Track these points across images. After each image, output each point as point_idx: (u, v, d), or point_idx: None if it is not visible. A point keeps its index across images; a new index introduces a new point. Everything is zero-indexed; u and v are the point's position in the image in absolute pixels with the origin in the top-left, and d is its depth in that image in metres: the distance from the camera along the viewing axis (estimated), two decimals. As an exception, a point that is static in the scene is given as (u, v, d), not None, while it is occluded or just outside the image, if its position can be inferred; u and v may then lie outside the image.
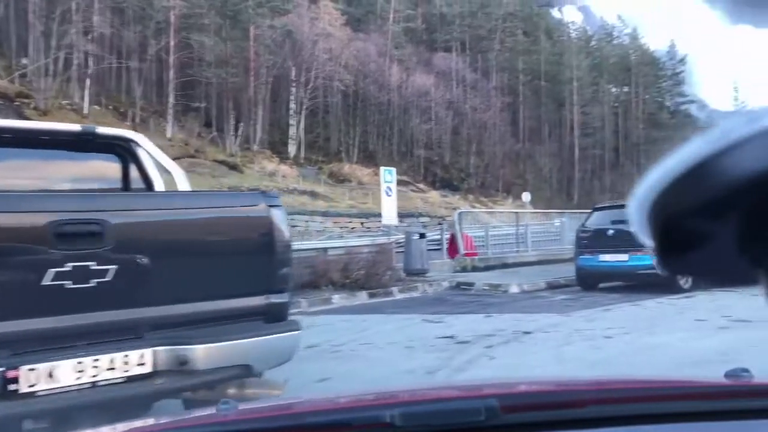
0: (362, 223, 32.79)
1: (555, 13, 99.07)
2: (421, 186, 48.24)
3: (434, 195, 46.19)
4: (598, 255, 9.62)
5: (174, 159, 4.19)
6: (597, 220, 10.12)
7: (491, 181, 56.60)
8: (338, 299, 9.38)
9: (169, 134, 40.44)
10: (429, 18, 65.36)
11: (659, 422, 1.04)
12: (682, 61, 74.33)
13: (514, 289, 10.31)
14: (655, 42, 76.76)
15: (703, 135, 0.32)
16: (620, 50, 71.67)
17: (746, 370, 1.18)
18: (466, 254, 13.27)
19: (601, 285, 10.14)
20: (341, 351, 5.59)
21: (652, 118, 67.70)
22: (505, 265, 13.71)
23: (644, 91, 68.96)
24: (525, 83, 62.85)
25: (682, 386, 1.29)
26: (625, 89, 68.67)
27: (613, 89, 68.30)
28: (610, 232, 9.56)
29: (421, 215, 36.44)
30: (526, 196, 33.93)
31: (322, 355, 5.36)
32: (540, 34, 66.15)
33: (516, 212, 17.05)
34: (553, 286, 10.58)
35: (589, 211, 11.35)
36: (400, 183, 44.05)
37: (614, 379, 1.49)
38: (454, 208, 27.81)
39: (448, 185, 52.83)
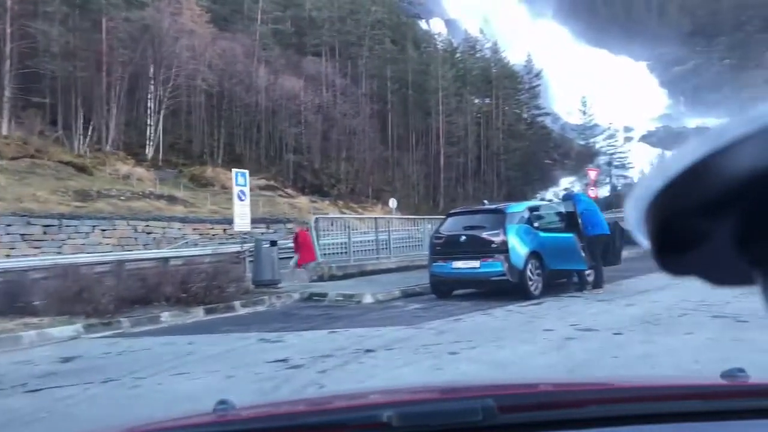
0: (225, 230, 31.14)
1: (423, 24, 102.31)
2: (290, 191, 47.14)
3: (303, 201, 45.23)
4: (450, 262, 9.34)
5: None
6: (450, 226, 9.86)
7: (361, 188, 56.67)
8: (168, 317, 8.31)
9: (4, 131, 36.28)
10: (298, 21, 64.52)
11: (656, 422, 1.04)
12: (538, 75, 79.29)
13: (367, 299, 9.79)
14: (514, 56, 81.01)
15: (701, 135, 0.32)
16: (483, 63, 75.11)
17: (742, 370, 1.20)
18: (299, 262, 12.73)
19: (456, 292, 9.90)
20: (141, 386, 4.62)
21: (511, 128, 71.43)
22: (364, 273, 13.24)
23: (504, 102, 72.66)
24: (393, 91, 63.84)
25: (679, 386, 1.29)
26: (487, 100, 71.94)
27: (476, 100, 71.29)
28: (463, 238, 9.33)
29: (288, 221, 35.37)
30: (392, 203, 34.18)
31: (113, 392, 4.40)
32: (407, 44, 67.57)
33: (376, 218, 16.63)
34: (408, 295, 10.19)
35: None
36: (267, 188, 42.84)
37: (611, 380, 1.46)
38: (324, 214, 27.22)
39: (317, 191, 52.14)
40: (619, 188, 68.79)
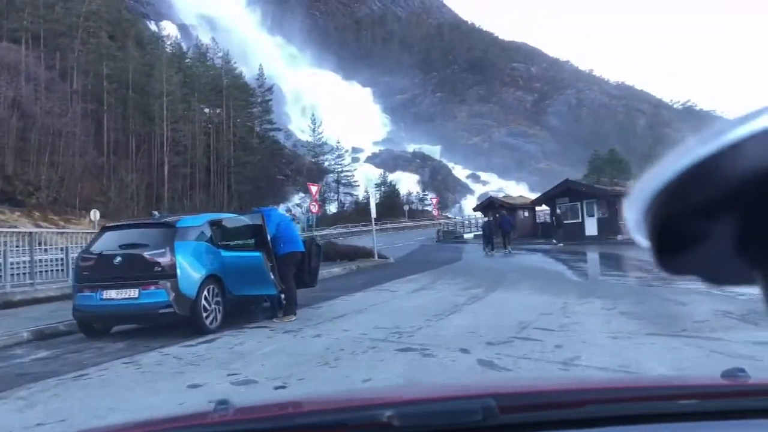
0: None
1: (152, 26, 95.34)
2: (-34, 199, 38.84)
3: (-12, 211, 37.54)
4: (100, 291, 7.13)
5: None
6: (104, 244, 7.60)
7: (67, 197, 49.52)
8: None
9: None
10: (-8, -1, 54.54)
11: (656, 422, 1.04)
12: (270, 89, 79.01)
13: (-20, 345, 7.04)
14: (247, 70, 79.73)
15: (700, 135, 0.32)
16: (213, 71, 72.16)
17: (742, 370, 1.20)
18: None
19: (118, 327, 7.73)
20: None
21: (242, 141, 69.65)
22: (9, 305, 10.17)
23: (235, 114, 70.61)
24: (111, 91, 57.46)
25: (679, 386, 1.29)
26: (218, 110, 69.16)
27: (206, 109, 68.06)
28: (118, 259, 7.20)
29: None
30: (94, 214, 29.73)
31: None
32: (129, 41, 61.63)
33: (30, 233, 13.33)
34: (46, 336, 7.65)
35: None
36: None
37: (611, 380, 1.50)
38: (11, 227, 22.48)
39: (10, 200, 44.09)
40: (346, 206, 71.89)
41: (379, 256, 21.11)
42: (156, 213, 8.60)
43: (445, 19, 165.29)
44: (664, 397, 1.15)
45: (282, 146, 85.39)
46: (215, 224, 8.18)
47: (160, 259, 7.17)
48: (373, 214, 21.50)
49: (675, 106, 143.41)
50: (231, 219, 8.57)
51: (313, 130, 75.62)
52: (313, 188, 25.62)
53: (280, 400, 2.01)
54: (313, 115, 79.76)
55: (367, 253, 21.15)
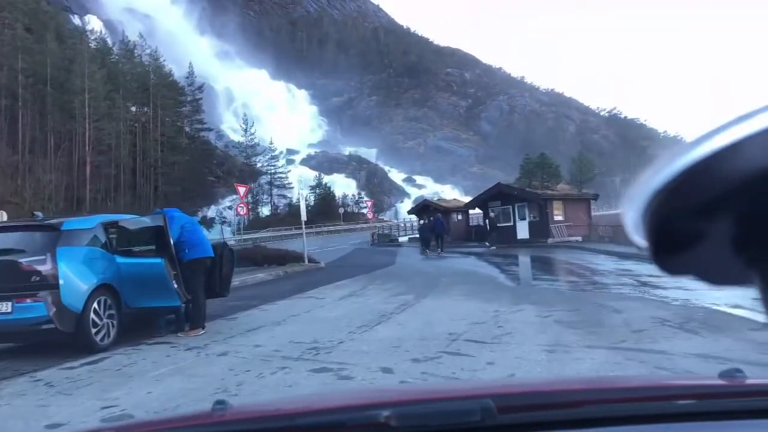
0: None
1: (76, 20, 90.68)
2: None
3: None
4: (-35, 305, 6.08)
5: None
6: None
7: (-25, 198, 46.05)
8: None
9: None
10: None
11: (654, 422, 1.04)
12: (200, 88, 76.54)
13: None
14: (178, 69, 76.94)
15: (698, 136, 0.32)
16: (141, 69, 69.18)
17: (740, 371, 1.19)
18: None
19: (-4, 347, 6.67)
20: None
21: (171, 140, 67.02)
22: None
23: (164, 113, 67.90)
24: (27, 86, 53.99)
25: (677, 387, 1.29)
26: (145, 109, 66.34)
27: (132, 107, 65.15)
28: (-11, 267, 6.17)
29: None
30: (0, 216, 27.61)
31: None
32: (48, 34, 58.15)
33: None
34: None
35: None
36: None
37: (609, 380, 1.44)
38: None
39: None
40: (279, 208, 70.26)
41: (310, 261, 20.30)
42: (39, 214, 7.47)
43: (381, 23, 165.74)
44: (662, 398, 1.15)
45: (213, 147, 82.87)
46: (111, 227, 7.22)
47: (40, 267, 6.17)
48: (303, 217, 20.67)
49: (601, 113, 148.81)
50: (130, 221, 7.58)
51: (245, 131, 73.60)
52: (241, 189, 24.49)
53: (277, 400, 1.97)
54: (245, 114, 77.77)
55: (296, 257, 20.29)
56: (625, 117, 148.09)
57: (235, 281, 15.05)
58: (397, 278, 15.07)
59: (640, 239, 0.37)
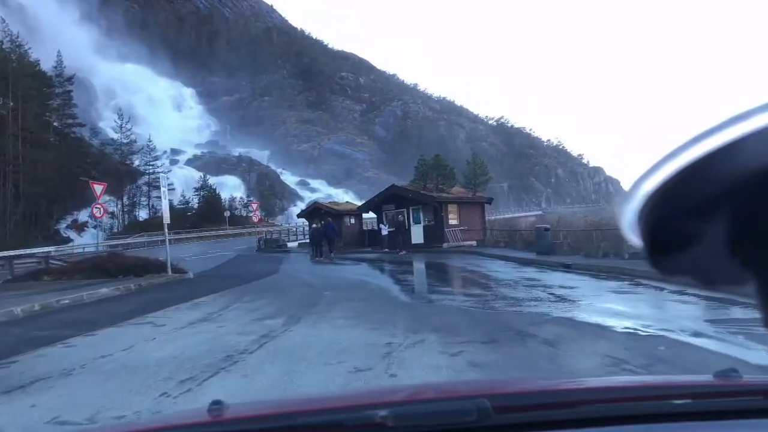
0: None
1: None
2: None
3: None
4: None
5: None
6: None
7: None
8: None
9: None
10: None
11: (650, 422, 1.04)
12: (70, 80, 69.64)
13: None
14: (46, 56, 69.42)
15: (693, 136, 0.32)
16: (1, 55, 61.59)
17: (735, 370, 1.20)
18: None
19: None
20: None
21: (34, 136, 60.04)
22: None
23: (27, 105, 60.77)
24: None
25: (672, 386, 1.29)
26: (2, 100, 58.99)
27: (-13, 98, 57.74)
28: None
29: None
30: None
31: None
32: None
33: None
34: None
35: None
36: None
37: (605, 380, 1.42)
38: None
39: None
40: (159, 211, 65.04)
41: (175, 271, 17.35)
42: None
43: (274, 24, 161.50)
44: (658, 397, 1.14)
45: (87, 144, 75.72)
46: None
47: None
48: (166, 219, 17.66)
49: (490, 122, 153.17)
50: None
51: (120, 127, 67.57)
52: (98, 188, 20.94)
53: (274, 401, 1.96)
54: (120, 109, 71.37)
55: (159, 267, 17.27)
56: (512, 126, 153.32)
57: (66, 299, 12.07)
58: (274, 292, 12.66)
59: (636, 239, 0.36)
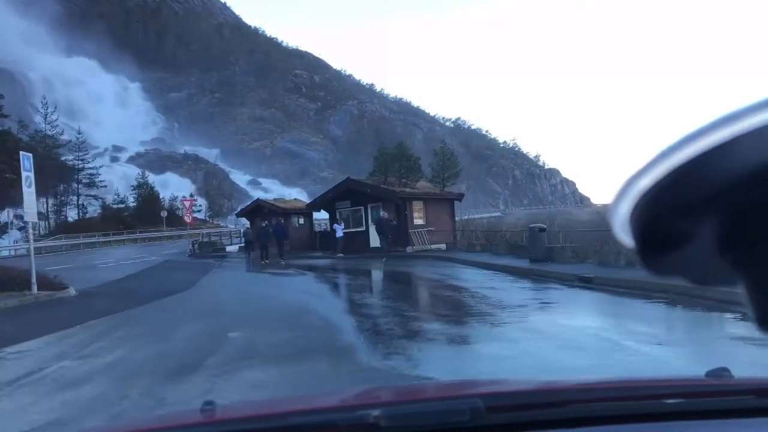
0: None
1: None
2: None
3: None
4: None
5: None
6: None
7: None
8: None
9: None
10: None
11: (642, 421, 1.04)
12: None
13: None
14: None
15: (685, 135, 0.32)
16: None
17: (726, 370, 1.20)
18: None
19: None
20: None
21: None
22: None
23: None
24: None
25: (665, 386, 1.28)
26: None
27: None
28: None
29: None
30: None
31: None
32: None
33: None
34: None
35: None
36: None
37: (597, 380, 1.47)
38: None
39: None
40: (96, 212, 59.03)
41: (48, 287, 12.64)
42: None
43: (226, 20, 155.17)
44: (650, 397, 1.14)
45: (14, 138, 68.73)
46: None
47: None
48: (31, 217, 12.86)
49: (447, 123, 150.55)
50: None
51: (45, 117, 61.11)
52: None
53: (267, 401, 2.02)
54: (44, 97, 64.71)
55: (23, 282, 12.53)
56: (469, 127, 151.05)
57: None
58: (172, 321, 8.28)
59: (627, 239, 0.36)
